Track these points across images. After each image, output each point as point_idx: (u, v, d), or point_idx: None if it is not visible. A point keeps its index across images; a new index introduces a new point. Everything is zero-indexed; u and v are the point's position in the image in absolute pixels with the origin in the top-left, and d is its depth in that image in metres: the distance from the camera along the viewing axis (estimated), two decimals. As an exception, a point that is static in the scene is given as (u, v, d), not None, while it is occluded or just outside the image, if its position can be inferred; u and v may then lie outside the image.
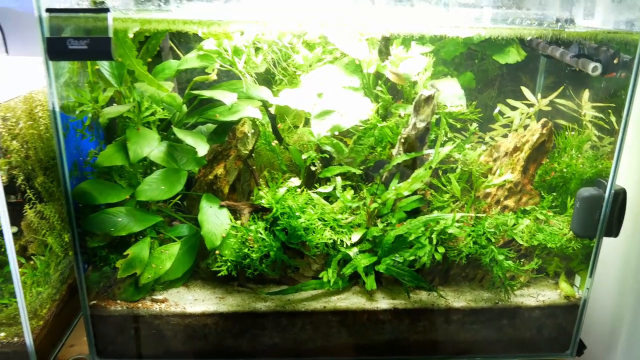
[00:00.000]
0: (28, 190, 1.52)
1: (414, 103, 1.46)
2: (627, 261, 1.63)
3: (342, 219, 1.49)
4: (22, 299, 1.45)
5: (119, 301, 1.52)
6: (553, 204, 1.60)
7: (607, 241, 1.50)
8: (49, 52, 1.19)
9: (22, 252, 1.57)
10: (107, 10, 1.16)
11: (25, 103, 1.55)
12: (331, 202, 1.55)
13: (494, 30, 1.42)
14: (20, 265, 1.50)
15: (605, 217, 1.46)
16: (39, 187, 1.59)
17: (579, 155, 1.60)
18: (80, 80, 1.50)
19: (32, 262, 1.59)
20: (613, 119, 1.63)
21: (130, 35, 1.41)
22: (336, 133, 1.48)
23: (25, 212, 1.53)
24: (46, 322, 1.60)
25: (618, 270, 1.67)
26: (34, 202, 1.54)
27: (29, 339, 1.49)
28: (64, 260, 1.70)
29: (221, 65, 1.53)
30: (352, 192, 1.55)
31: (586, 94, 1.67)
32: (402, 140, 1.50)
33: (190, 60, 1.53)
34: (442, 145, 1.53)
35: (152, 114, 1.49)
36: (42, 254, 1.62)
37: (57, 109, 1.31)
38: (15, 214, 1.55)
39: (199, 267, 1.61)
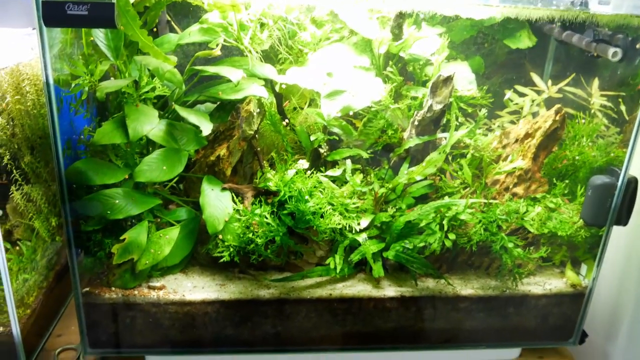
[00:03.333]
0: (14, 171, 1.42)
1: (430, 84, 1.41)
2: (631, 250, 1.63)
3: (351, 204, 1.43)
4: (8, 286, 1.36)
5: (113, 288, 1.44)
6: (564, 192, 1.57)
7: (612, 230, 1.48)
8: (45, 18, 1.09)
9: (7, 237, 1.47)
10: (111, -27, 1.07)
11: (12, 76, 1.44)
12: (338, 186, 1.49)
13: (508, 10, 1.38)
14: (6, 250, 1.40)
15: (616, 205, 1.44)
16: (26, 167, 1.48)
17: (591, 144, 1.58)
18: (73, 52, 1.40)
19: (18, 248, 1.49)
20: (623, 108, 1.61)
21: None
22: (350, 113, 1.42)
23: (11, 194, 1.43)
24: (33, 310, 1.51)
25: (621, 260, 1.66)
26: (20, 183, 1.44)
27: (16, 329, 1.40)
28: (50, 245, 1.61)
29: (225, 41, 1.45)
30: (361, 176, 1.49)
31: (596, 82, 1.65)
32: (416, 122, 1.45)
33: (193, 34, 1.44)
34: (455, 129, 1.49)
35: (152, 90, 1.40)
36: (28, 239, 1.52)
37: (51, 81, 1.21)
38: (0, 197, 1.45)
39: (198, 253, 1.54)
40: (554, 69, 1.80)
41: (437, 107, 1.39)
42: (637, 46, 1.32)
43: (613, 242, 1.55)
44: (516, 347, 1.64)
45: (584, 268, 1.63)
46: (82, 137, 1.41)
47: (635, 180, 1.44)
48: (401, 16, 1.46)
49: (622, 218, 1.47)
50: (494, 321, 1.56)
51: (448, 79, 1.37)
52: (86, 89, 1.33)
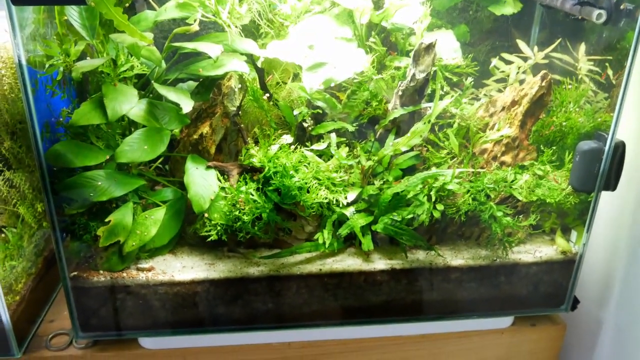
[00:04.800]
0: (-5, 157, 1.40)
1: (413, 52, 1.38)
2: (621, 215, 1.63)
3: (337, 178, 1.42)
4: (-5, 273, 1.35)
5: (101, 271, 1.43)
6: (552, 159, 1.56)
7: (601, 196, 1.47)
8: (12, -5, 1.06)
9: (-8, 224, 1.46)
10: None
11: (-14, 59, 1.41)
12: (324, 161, 1.47)
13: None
14: (-9, 238, 1.39)
15: (604, 170, 1.43)
16: (7, 153, 1.46)
17: (578, 109, 1.56)
18: (47, 33, 1.37)
19: (3, 235, 1.47)
20: (610, 72, 1.59)
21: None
22: (332, 85, 1.39)
23: (-6, 180, 1.41)
24: (23, 297, 1.51)
25: (611, 225, 1.66)
26: (1, 169, 1.42)
27: (5, 316, 1.39)
28: (38, 231, 1.59)
29: (203, 16, 1.41)
30: (346, 149, 1.48)
31: (582, 47, 1.63)
32: (400, 93, 1.43)
33: (170, 10, 1.40)
34: (440, 99, 1.47)
35: (130, 69, 1.37)
36: (13, 225, 1.51)
37: (24, 62, 1.18)
38: (-18, 184, 1.43)
39: (186, 233, 1.53)
40: (541, 34, 1.77)
41: (420, 76, 1.36)
42: (622, 7, 1.29)
43: (603, 207, 1.55)
44: (508, 315, 1.65)
45: (574, 234, 1.63)
46: (60, 119, 1.38)
47: (623, 144, 1.42)
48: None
49: (611, 183, 1.46)
50: (486, 290, 1.56)
51: (430, 47, 1.34)
52: (61, 69, 1.30)
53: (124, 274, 1.42)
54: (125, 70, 1.36)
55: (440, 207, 1.44)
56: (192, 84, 1.56)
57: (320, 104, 1.50)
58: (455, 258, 1.53)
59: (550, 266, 1.57)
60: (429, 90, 1.48)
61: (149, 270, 1.44)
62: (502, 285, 1.57)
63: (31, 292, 1.55)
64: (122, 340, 1.52)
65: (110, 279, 1.41)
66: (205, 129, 1.45)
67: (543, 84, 1.50)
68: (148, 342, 1.52)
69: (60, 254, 1.36)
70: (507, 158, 1.55)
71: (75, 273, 1.42)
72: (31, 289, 1.55)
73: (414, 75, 1.38)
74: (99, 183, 1.34)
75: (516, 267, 1.55)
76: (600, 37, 1.63)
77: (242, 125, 1.50)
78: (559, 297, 1.62)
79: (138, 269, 1.44)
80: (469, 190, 1.45)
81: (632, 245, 1.59)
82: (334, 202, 1.41)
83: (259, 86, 1.53)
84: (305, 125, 1.50)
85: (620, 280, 1.66)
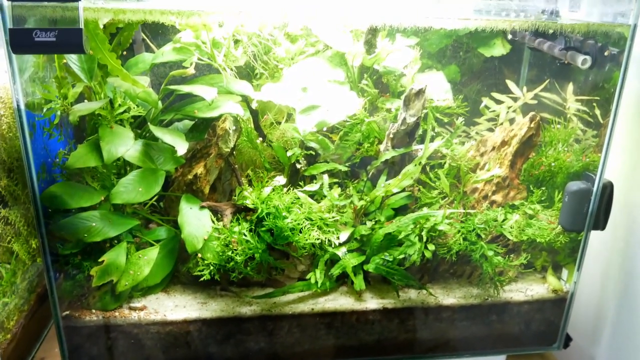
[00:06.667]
0: (-8, 194, 1.41)
1: (403, 97, 1.41)
2: (612, 254, 1.64)
3: (330, 218, 1.43)
4: (-13, 312, 1.35)
5: (94, 311, 1.43)
6: (542, 199, 1.58)
7: (592, 235, 1.49)
8: (13, 45, 1.09)
9: (-15, 261, 1.46)
10: (77, -2, 1.06)
11: (-15, 100, 1.43)
12: (317, 201, 1.49)
13: (479, 22, 1.38)
14: (-16, 275, 1.39)
15: (593, 210, 1.45)
16: (3, 190, 1.47)
17: (567, 149, 1.59)
18: (46, 75, 1.40)
19: (-4, 272, 1.48)
20: (597, 112, 1.62)
21: (101, 27, 1.31)
22: (324, 129, 1.42)
23: (-11, 217, 1.42)
24: (14, 335, 1.50)
25: (602, 263, 1.67)
26: (-3, 206, 1.43)
27: (-4, 355, 1.39)
28: (31, 268, 1.60)
29: (199, 59, 1.45)
30: (338, 190, 1.49)
31: (570, 87, 1.67)
32: (391, 135, 1.45)
33: (167, 54, 1.44)
34: (431, 140, 1.49)
35: (126, 111, 1.39)
36: (7, 261, 1.51)
37: (22, 107, 1.21)
38: (-22, 220, 1.44)
39: (179, 272, 1.53)
40: (530, 74, 1.81)
41: (411, 120, 1.39)
42: (606, 54, 1.33)
43: (593, 246, 1.56)
44: (501, 354, 1.64)
45: (565, 273, 1.64)
46: (57, 160, 1.40)
47: (611, 184, 1.45)
48: (373, 30, 1.47)
49: (600, 222, 1.48)
50: (478, 329, 1.57)
51: (420, 92, 1.38)
52: (58, 112, 1.33)
53: (116, 314, 1.43)
54: (121, 113, 1.38)
55: (431, 247, 1.46)
56: (188, 123, 1.58)
57: (313, 145, 1.52)
58: (447, 297, 1.54)
59: (541, 304, 1.57)
60: (420, 132, 1.51)
61: (141, 309, 1.45)
62: (494, 324, 1.57)
63: (23, 329, 1.55)
64: (113, 380, 1.51)
65: (103, 318, 1.41)
66: (199, 169, 1.47)
67: (532, 125, 1.53)
68: (139, 382, 1.51)
69: (53, 294, 1.36)
70: (498, 197, 1.57)
71: (68, 312, 1.42)
72: (23, 326, 1.55)
73: (404, 119, 1.41)
74: (94, 224, 1.35)
75: (508, 306, 1.56)
76: (587, 78, 1.67)
77: (236, 166, 1.52)
78: (551, 335, 1.62)
79: (130, 308, 1.44)
80: (460, 230, 1.47)
81: (623, 282, 1.60)
82: (327, 242, 1.42)
83: (253, 127, 1.55)
84: (298, 165, 1.52)
85: (611, 318, 1.66)
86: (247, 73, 1.60)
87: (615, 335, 1.66)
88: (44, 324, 1.71)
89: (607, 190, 1.45)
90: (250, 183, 1.48)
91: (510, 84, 1.71)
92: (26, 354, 1.58)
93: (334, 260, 1.48)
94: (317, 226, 1.41)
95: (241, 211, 1.45)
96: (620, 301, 1.62)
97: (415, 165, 1.44)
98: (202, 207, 1.44)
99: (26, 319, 1.57)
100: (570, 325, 1.61)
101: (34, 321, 1.62)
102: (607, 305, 1.67)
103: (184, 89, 1.40)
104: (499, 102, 1.73)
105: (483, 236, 1.49)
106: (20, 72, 1.22)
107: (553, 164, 1.57)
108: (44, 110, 1.33)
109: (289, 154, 1.50)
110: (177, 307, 1.46)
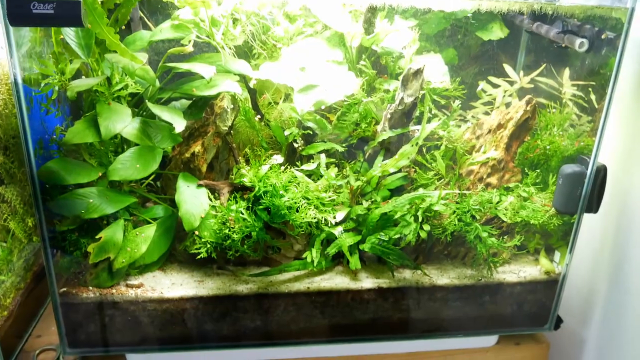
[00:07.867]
0: (-13, 172, 1.41)
1: (401, 77, 1.42)
2: (604, 237, 1.66)
3: (326, 198, 1.44)
4: (-16, 288, 1.35)
5: (91, 287, 1.43)
6: (536, 182, 1.60)
7: (584, 217, 1.51)
8: (10, 17, 1.08)
9: (-19, 238, 1.46)
10: (75, -30, 1.06)
11: (-19, 75, 1.42)
12: (314, 180, 1.50)
13: (478, 3, 1.39)
14: (-19, 252, 1.39)
15: (586, 193, 1.47)
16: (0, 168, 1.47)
17: (562, 133, 1.60)
18: (43, 51, 1.39)
19: (-7, 249, 1.48)
20: (593, 97, 1.64)
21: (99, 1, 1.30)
22: (322, 107, 1.42)
23: (-15, 195, 1.42)
24: (11, 312, 1.51)
25: (594, 246, 1.70)
26: (-7, 184, 1.43)
27: (-8, 330, 1.39)
28: (27, 246, 1.60)
29: (197, 37, 1.44)
30: (335, 170, 1.50)
31: (567, 72, 1.68)
32: (388, 116, 1.46)
33: (165, 31, 1.43)
34: (428, 121, 1.50)
35: (124, 88, 1.39)
36: (3, 240, 1.51)
37: (20, 81, 1.20)
38: (-27, 198, 1.44)
39: (176, 250, 1.54)
40: (527, 59, 1.82)
41: (408, 100, 1.40)
42: (603, 37, 1.34)
43: (586, 229, 1.59)
44: (493, 334, 1.67)
45: (557, 255, 1.66)
46: (54, 136, 1.39)
47: (604, 168, 1.46)
48: (372, 10, 1.47)
49: (593, 206, 1.50)
50: (471, 310, 1.59)
51: (418, 72, 1.38)
52: (56, 88, 1.32)
53: (113, 291, 1.43)
54: (119, 90, 1.38)
55: (426, 227, 1.47)
56: (186, 102, 1.58)
57: (310, 124, 1.53)
58: (441, 277, 1.56)
59: (534, 286, 1.60)
60: (417, 113, 1.52)
61: (138, 286, 1.45)
62: (487, 305, 1.59)
63: (19, 307, 1.55)
64: (109, 357, 1.52)
65: (100, 295, 1.42)
66: (197, 147, 1.47)
67: (528, 108, 1.54)
68: (135, 359, 1.52)
69: (50, 271, 1.37)
70: (493, 179, 1.59)
71: (65, 289, 1.42)
72: (19, 303, 1.56)
73: (402, 99, 1.41)
74: (91, 200, 1.35)
75: (501, 287, 1.58)
76: (583, 63, 1.68)
77: (233, 144, 1.52)
78: (542, 317, 1.65)
79: (127, 286, 1.45)
80: (455, 211, 1.48)
81: (614, 265, 1.62)
82: (323, 222, 1.43)
83: (251, 106, 1.55)
84: (295, 145, 1.53)
85: (602, 300, 1.69)
86: (244, 53, 1.60)
87: (605, 317, 1.68)
88: (41, 303, 1.71)
89: (601, 174, 1.47)
90: (248, 162, 1.49)
91: (507, 68, 1.72)
92: (23, 332, 1.59)
93: (330, 239, 1.49)
94: (314, 205, 1.42)
95: (238, 190, 1.45)
96: (611, 284, 1.65)
97: (413, 145, 1.45)
98: (200, 186, 1.45)
99: (23, 296, 1.58)
100: (561, 307, 1.63)
101: (30, 299, 1.62)
102: (598, 287, 1.70)
103: (182, 66, 1.39)
104: (495, 85, 1.74)
105: (478, 217, 1.50)
106: (18, 46, 1.21)
107: (548, 147, 1.58)
108: (42, 85, 1.32)
109: (286, 133, 1.50)
110: (174, 285, 1.47)
